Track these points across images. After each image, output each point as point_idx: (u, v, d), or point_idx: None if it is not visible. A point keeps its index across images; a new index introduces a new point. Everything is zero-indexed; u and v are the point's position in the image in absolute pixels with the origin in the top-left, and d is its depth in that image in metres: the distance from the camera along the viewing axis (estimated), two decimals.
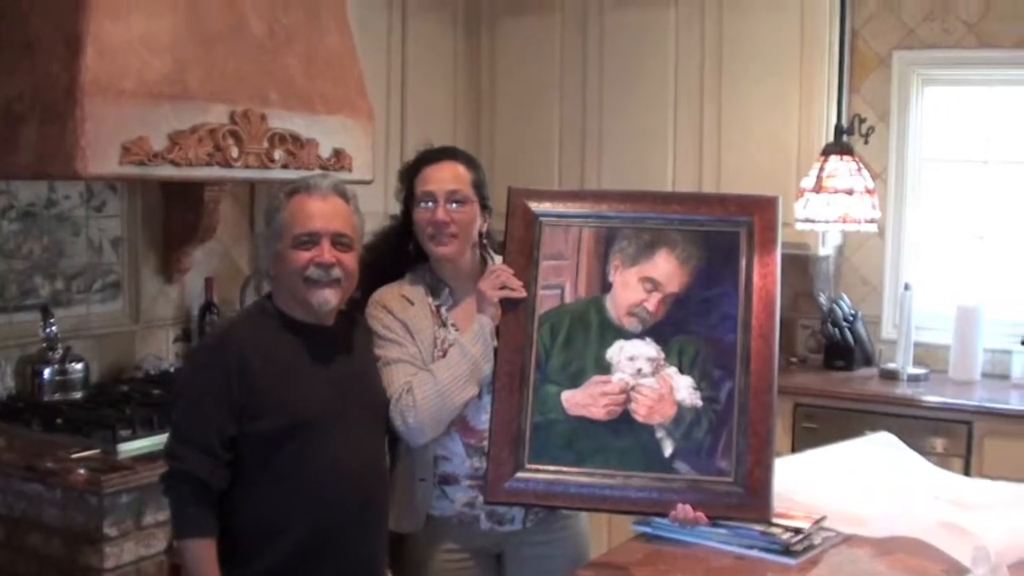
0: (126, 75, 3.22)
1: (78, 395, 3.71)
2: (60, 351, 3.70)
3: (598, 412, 2.59)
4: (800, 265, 5.13)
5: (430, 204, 2.74)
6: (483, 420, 2.70)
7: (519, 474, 2.56)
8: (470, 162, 2.84)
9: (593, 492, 2.55)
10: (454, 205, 2.74)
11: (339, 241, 2.60)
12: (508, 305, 2.64)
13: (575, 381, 2.62)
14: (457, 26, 5.36)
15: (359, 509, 2.60)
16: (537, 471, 2.56)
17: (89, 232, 4.04)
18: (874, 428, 4.23)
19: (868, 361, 5.03)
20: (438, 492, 2.76)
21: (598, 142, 5.25)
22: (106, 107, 3.15)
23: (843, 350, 4.99)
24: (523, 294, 2.64)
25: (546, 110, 5.36)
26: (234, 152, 3.53)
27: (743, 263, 2.65)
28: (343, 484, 2.57)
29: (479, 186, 2.80)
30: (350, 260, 2.62)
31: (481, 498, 2.72)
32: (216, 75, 3.51)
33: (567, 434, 2.59)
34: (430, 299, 2.80)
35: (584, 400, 2.60)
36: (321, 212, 2.59)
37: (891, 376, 4.81)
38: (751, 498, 2.51)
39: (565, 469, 2.56)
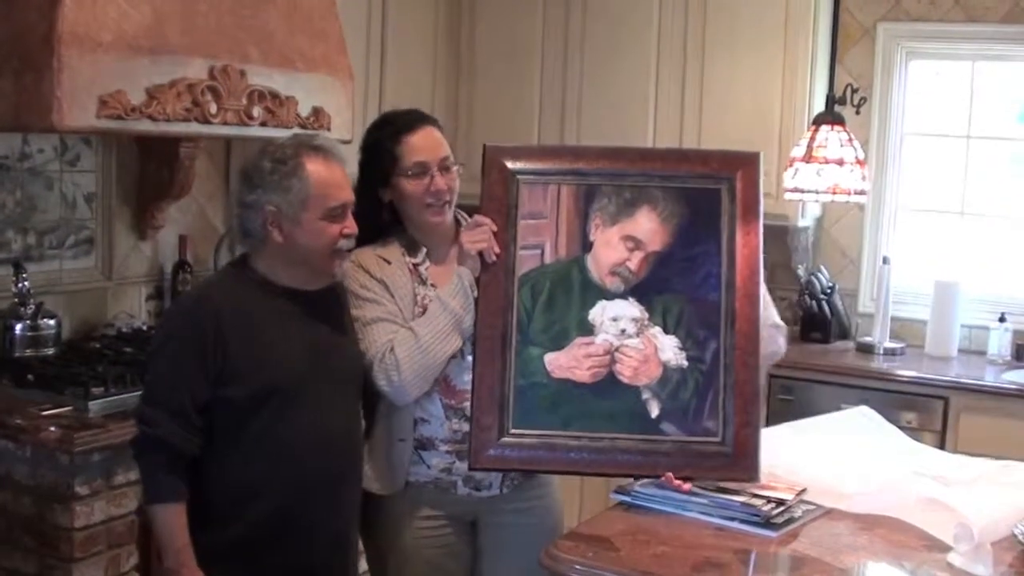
0: (104, 26, 3.16)
1: (50, 352, 3.65)
2: (32, 307, 3.64)
3: (582, 374, 2.56)
4: (779, 236, 5.09)
5: (423, 174, 2.69)
6: (465, 380, 2.67)
7: (503, 439, 2.53)
8: (441, 126, 2.81)
9: (580, 456, 2.52)
10: (445, 172, 2.71)
11: (351, 208, 2.57)
12: (487, 266, 2.60)
13: (558, 343, 2.58)
14: None
15: (332, 476, 2.57)
16: (522, 436, 2.53)
17: (63, 186, 3.97)
18: (849, 401, 4.33)
19: (845, 334, 5.05)
20: (415, 457, 2.74)
21: (578, 106, 5.20)
22: (83, 58, 3.08)
23: (820, 322, 5.01)
24: (493, 258, 2.59)
25: (527, 72, 5.31)
26: (212, 108, 3.47)
27: (725, 221, 2.62)
28: (317, 451, 2.54)
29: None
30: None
31: (458, 463, 2.70)
32: (196, 28, 3.45)
33: (551, 397, 2.56)
34: (407, 258, 2.76)
35: (568, 362, 2.57)
36: (343, 180, 2.55)
37: (867, 350, 4.83)
38: (739, 458, 2.50)
39: (550, 433, 2.54)
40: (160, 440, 2.44)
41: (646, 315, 2.59)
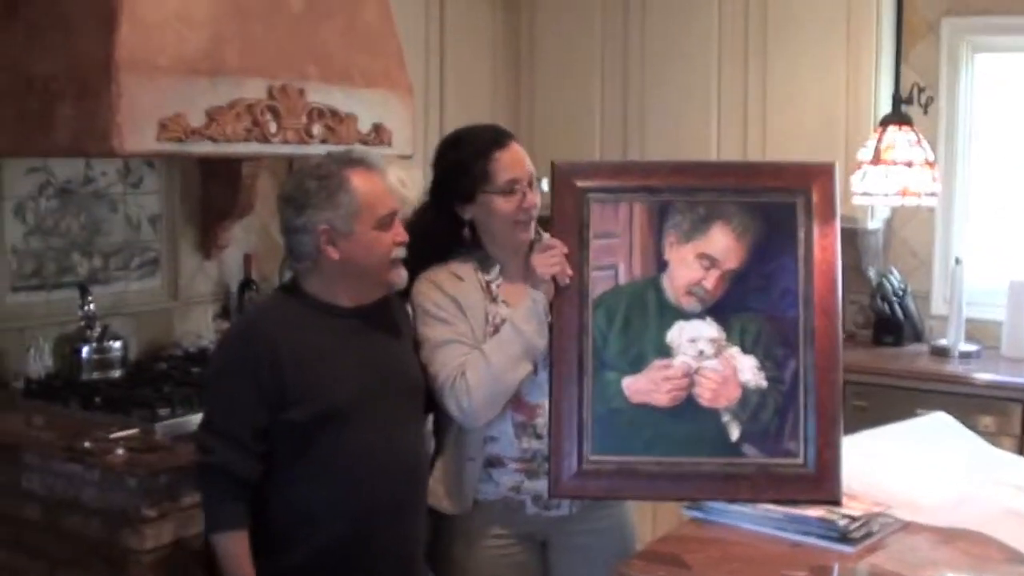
0: (162, 51, 3.17)
1: (117, 373, 3.67)
2: (98, 329, 3.66)
3: (661, 398, 2.51)
4: (849, 238, 4.90)
5: (515, 191, 2.66)
6: (536, 396, 2.64)
7: (583, 467, 2.48)
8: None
9: (661, 482, 2.48)
10: (532, 189, 2.69)
11: (398, 216, 2.56)
12: (560, 290, 2.54)
13: (635, 366, 2.53)
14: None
15: (396, 500, 2.54)
16: (602, 463, 2.48)
17: (127, 209, 4.02)
18: (925, 406, 4.23)
19: (918, 337, 4.92)
20: (484, 475, 2.70)
21: (640, 113, 5.16)
22: (142, 83, 3.09)
23: (892, 326, 4.89)
24: (567, 281, 2.53)
25: (587, 81, 5.26)
26: (272, 127, 3.46)
27: (802, 235, 2.56)
28: (379, 473, 2.51)
29: None
30: None
31: (527, 482, 2.67)
32: (254, 49, 3.44)
33: (630, 422, 2.51)
34: (480, 274, 2.73)
35: (646, 386, 2.51)
36: (387, 189, 2.55)
37: (942, 353, 4.69)
38: (821, 480, 2.45)
39: (631, 459, 2.49)
40: (220, 468, 2.43)
41: (724, 335, 2.53)
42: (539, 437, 2.64)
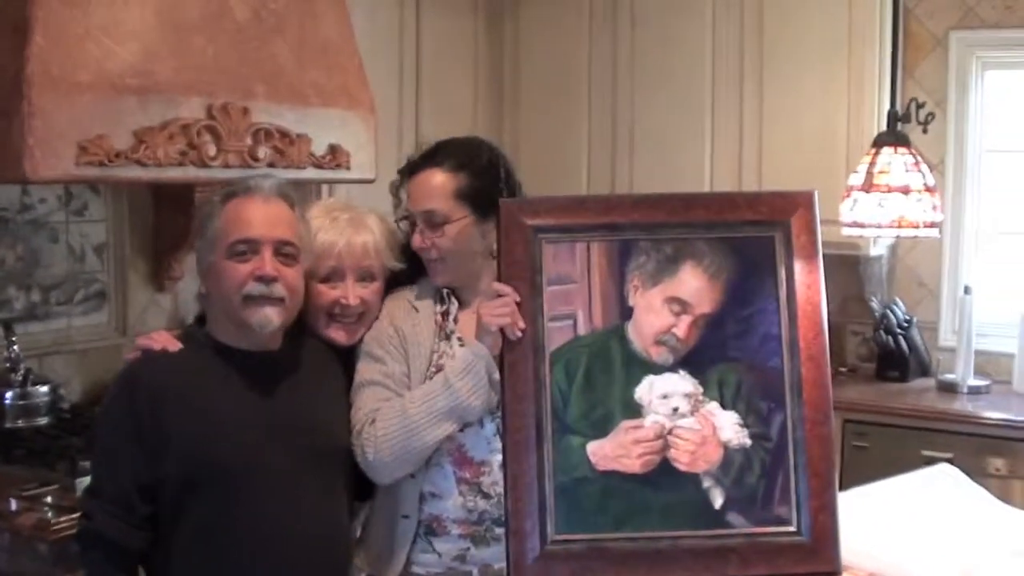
0: (83, 66, 2.89)
1: (43, 421, 3.41)
2: (22, 372, 3.38)
3: (632, 464, 2.20)
4: (850, 266, 4.79)
5: (413, 227, 2.45)
6: (482, 452, 2.38)
7: (547, 547, 2.17)
8: (462, 163, 2.45)
9: (638, 562, 2.17)
10: (433, 228, 2.41)
11: (282, 251, 2.26)
12: (512, 344, 2.23)
13: (601, 429, 2.21)
14: (478, 13, 5.14)
15: None
16: (568, 542, 2.17)
17: (69, 238, 3.79)
18: (931, 447, 4.11)
19: (924, 371, 4.73)
20: (423, 544, 2.40)
21: (630, 138, 5.05)
22: (58, 101, 2.81)
23: (897, 359, 4.69)
24: (518, 334, 2.22)
25: (574, 104, 5.14)
26: (211, 150, 3.19)
27: (783, 273, 2.27)
28: (278, 548, 2.20)
29: (471, 195, 2.43)
30: (294, 275, 2.28)
31: (474, 550, 2.38)
32: (191, 65, 3.18)
33: (599, 494, 2.19)
34: (437, 306, 2.48)
35: (614, 451, 2.20)
36: (262, 217, 2.25)
37: (950, 388, 4.51)
38: (818, 549, 2.17)
39: (601, 536, 2.18)
40: (98, 535, 2.15)
41: (700, 389, 2.23)
42: (487, 496, 2.36)
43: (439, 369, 2.38)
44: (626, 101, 5.02)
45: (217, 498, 2.17)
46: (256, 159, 3.33)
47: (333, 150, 3.63)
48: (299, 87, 3.51)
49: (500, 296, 2.23)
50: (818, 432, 2.21)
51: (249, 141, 3.32)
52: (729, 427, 2.22)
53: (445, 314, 2.46)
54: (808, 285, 2.26)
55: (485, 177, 2.44)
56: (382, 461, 2.31)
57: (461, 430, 2.35)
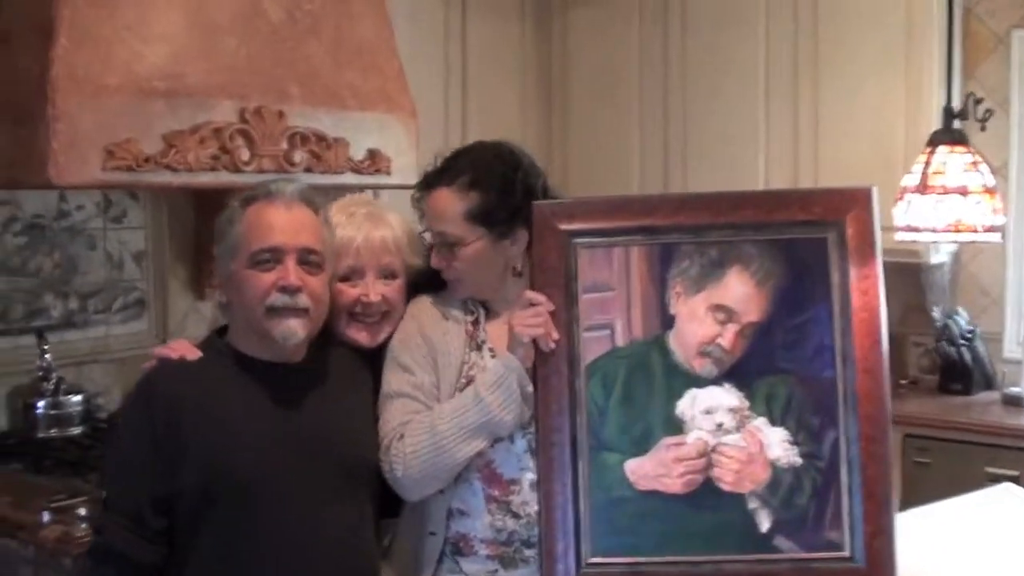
0: (110, 68, 2.84)
1: (77, 430, 3.35)
2: (54, 381, 3.33)
3: (673, 484, 2.08)
4: (910, 274, 4.62)
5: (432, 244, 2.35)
6: (512, 470, 2.25)
7: (583, 571, 2.07)
8: (474, 181, 2.29)
9: None
10: (447, 250, 2.30)
11: (307, 260, 2.15)
12: (545, 356, 2.12)
13: (640, 446, 2.10)
14: (525, 14, 5.08)
15: None
16: (605, 566, 2.07)
17: (108, 245, 3.75)
18: (995, 464, 3.96)
19: (989, 384, 4.56)
20: (450, 563, 2.29)
21: (682, 139, 4.95)
22: (83, 105, 2.76)
23: (960, 371, 4.53)
24: (551, 345, 2.12)
25: (624, 108, 5.05)
26: (244, 154, 3.12)
27: (836, 278, 2.12)
28: (300, 566, 2.09)
29: (484, 214, 2.28)
30: (319, 284, 2.17)
31: (503, 572, 2.26)
32: (222, 67, 3.12)
33: (637, 515, 2.08)
34: (467, 315, 2.36)
35: (654, 470, 2.09)
36: (285, 224, 2.14)
37: (1015, 402, 4.32)
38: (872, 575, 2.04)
39: (639, 560, 2.07)
40: (108, 550, 2.06)
41: (747, 404, 2.10)
42: (516, 516, 2.25)
43: (469, 381, 2.27)
44: (678, 104, 4.93)
45: (236, 513, 2.07)
46: (292, 164, 3.25)
47: (372, 155, 3.55)
48: (335, 90, 3.44)
49: (532, 305, 2.11)
50: (874, 450, 2.06)
51: (284, 145, 3.26)
52: (777, 444, 2.09)
53: (476, 323, 2.36)
54: (865, 290, 2.11)
55: (500, 194, 2.29)
56: (411, 478, 2.21)
57: (491, 445, 2.24)
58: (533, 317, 2.10)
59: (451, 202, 2.28)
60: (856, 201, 2.14)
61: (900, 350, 4.71)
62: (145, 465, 2.05)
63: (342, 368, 2.27)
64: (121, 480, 2.10)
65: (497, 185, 2.29)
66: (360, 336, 2.34)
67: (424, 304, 2.37)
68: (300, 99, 3.31)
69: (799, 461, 2.08)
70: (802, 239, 2.15)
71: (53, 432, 3.30)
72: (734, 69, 4.76)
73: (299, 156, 3.27)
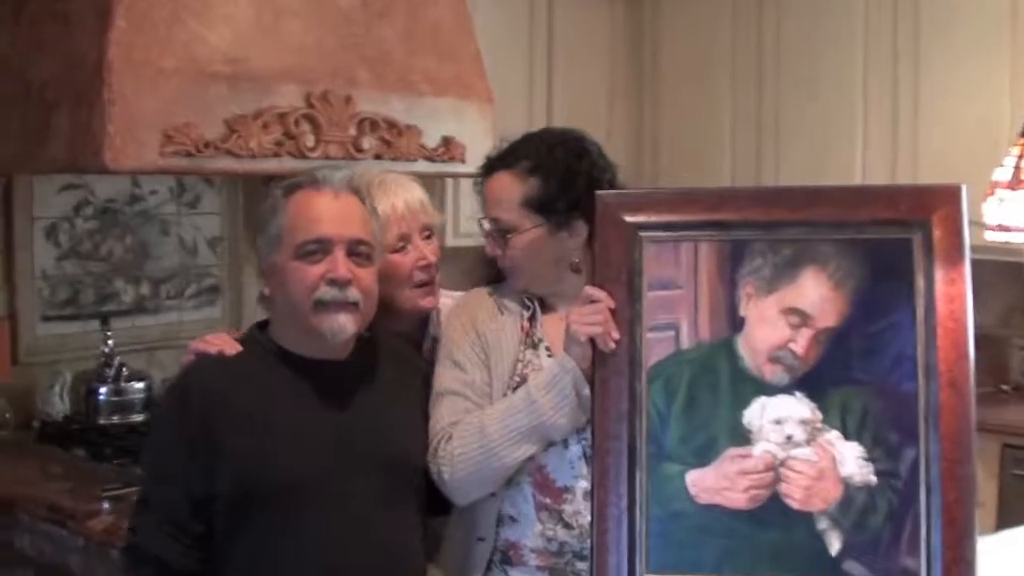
0: (168, 51, 2.78)
1: (139, 417, 3.31)
2: (115, 368, 3.31)
3: (737, 498, 1.95)
4: (1012, 272, 4.40)
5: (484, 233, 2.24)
6: (566, 477, 2.12)
7: None
8: (535, 166, 2.17)
9: None
10: (501, 237, 2.18)
11: (356, 251, 2.03)
12: (604, 356, 2.00)
13: (703, 457, 1.97)
14: (614, 0, 4.92)
15: None
16: None
17: (181, 231, 3.75)
18: None
19: None
20: (498, 572, 2.18)
21: (775, 128, 4.77)
22: (141, 88, 2.70)
23: None
24: (612, 346, 1.99)
25: (717, 95, 4.92)
26: (309, 140, 3.05)
27: (921, 283, 1.96)
28: (342, 572, 2.00)
29: (543, 202, 2.15)
30: (369, 277, 2.05)
31: None
32: (287, 51, 3.04)
33: (697, 530, 1.96)
34: (523, 311, 2.24)
35: (718, 482, 1.96)
36: (334, 213, 2.03)
37: None
38: None
39: None
40: (143, 552, 1.99)
41: (819, 415, 1.95)
42: (568, 527, 2.13)
43: (523, 380, 2.14)
44: (772, 92, 4.75)
45: (276, 517, 1.98)
46: (360, 150, 3.17)
47: (447, 142, 3.47)
48: (407, 75, 3.35)
49: (592, 302, 1.99)
50: (956, 472, 1.90)
51: (353, 131, 3.17)
52: (851, 461, 1.94)
53: (532, 319, 2.24)
54: (952, 298, 1.94)
55: (561, 183, 2.16)
56: (458, 481, 2.10)
57: (544, 449, 2.13)
58: (592, 314, 1.97)
59: (509, 187, 2.16)
60: (944, 200, 1.97)
61: (1001, 354, 4.49)
62: (181, 467, 1.97)
63: (390, 365, 2.17)
64: (157, 481, 2.02)
65: (559, 173, 2.16)
66: (427, 302, 2.30)
67: (481, 295, 2.26)
68: (370, 84, 3.23)
69: (874, 480, 1.93)
70: (884, 239, 1.98)
71: (115, 419, 3.28)
72: (831, 53, 4.56)
73: (368, 143, 3.19)
